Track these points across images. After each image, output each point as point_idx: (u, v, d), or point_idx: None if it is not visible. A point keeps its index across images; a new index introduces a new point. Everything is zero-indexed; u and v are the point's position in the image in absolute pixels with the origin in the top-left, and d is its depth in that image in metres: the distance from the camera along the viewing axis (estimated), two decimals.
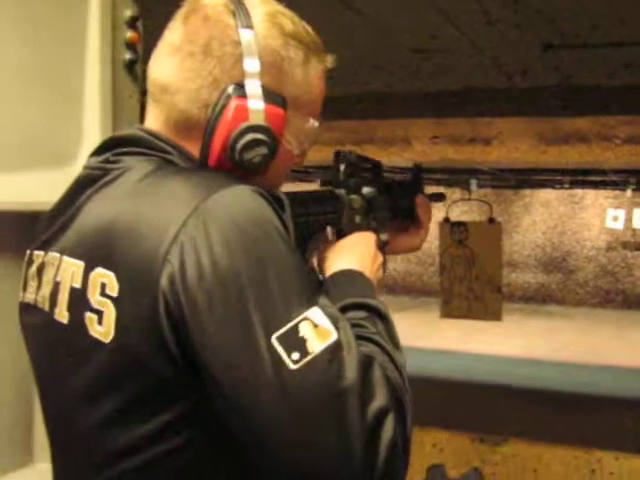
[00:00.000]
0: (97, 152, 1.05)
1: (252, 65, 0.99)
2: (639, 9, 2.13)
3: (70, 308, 0.97)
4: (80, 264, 0.96)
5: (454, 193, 13.27)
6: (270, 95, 1.00)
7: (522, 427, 4.75)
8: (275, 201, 1.04)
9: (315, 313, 0.87)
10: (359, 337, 0.95)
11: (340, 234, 1.25)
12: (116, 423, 0.92)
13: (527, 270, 14.60)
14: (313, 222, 1.19)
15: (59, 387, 1.01)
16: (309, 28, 1.08)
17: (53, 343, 1.02)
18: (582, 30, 2.36)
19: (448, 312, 5.93)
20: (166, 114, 1.03)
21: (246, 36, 0.99)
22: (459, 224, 5.86)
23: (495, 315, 5.80)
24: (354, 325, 0.98)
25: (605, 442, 4.08)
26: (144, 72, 1.09)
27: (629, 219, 11.95)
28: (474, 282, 5.73)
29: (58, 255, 1.01)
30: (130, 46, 1.43)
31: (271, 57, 1.01)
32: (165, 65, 1.02)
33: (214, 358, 0.85)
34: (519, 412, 5.66)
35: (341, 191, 1.27)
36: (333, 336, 0.86)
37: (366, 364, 0.88)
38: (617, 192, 12.79)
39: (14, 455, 1.54)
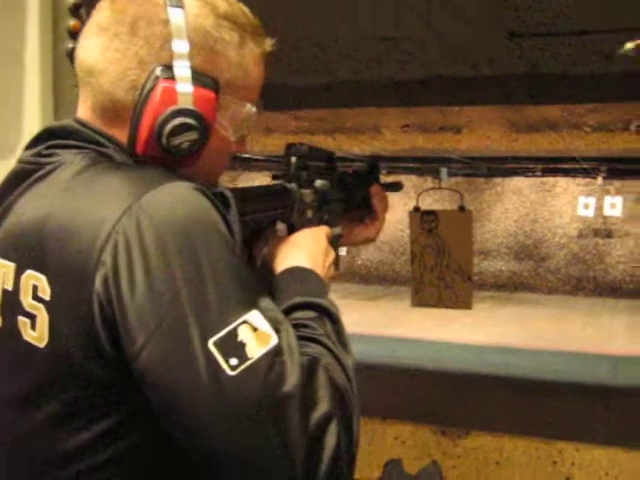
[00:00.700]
0: (31, 145, 1.00)
1: (181, 46, 0.94)
2: None
3: (3, 312, 0.93)
4: (11, 265, 0.92)
5: (425, 182, 13.30)
6: (200, 77, 0.95)
7: (487, 417, 4.78)
8: (219, 197, 1.00)
9: (255, 316, 0.83)
10: (305, 338, 0.93)
11: (292, 229, 1.22)
12: (55, 430, 0.89)
13: (499, 258, 14.66)
14: (262, 218, 1.15)
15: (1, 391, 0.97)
16: (247, 10, 1.03)
17: None
18: (545, 18, 2.34)
19: (419, 301, 5.93)
20: (92, 98, 0.98)
21: (175, 15, 0.94)
22: (429, 213, 5.86)
23: (465, 304, 5.81)
24: (301, 325, 0.96)
25: (566, 432, 4.11)
26: None
27: (600, 207, 12.04)
28: (445, 271, 5.74)
29: None
30: (73, 34, 1.37)
31: (202, 38, 0.96)
32: (91, 47, 0.98)
33: (147, 366, 0.81)
34: (484, 402, 5.69)
35: (292, 185, 1.23)
36: (273, 340, 0.83)
37: (309, 368, 0.85)
38: (588, 180, 12.88)
39: None
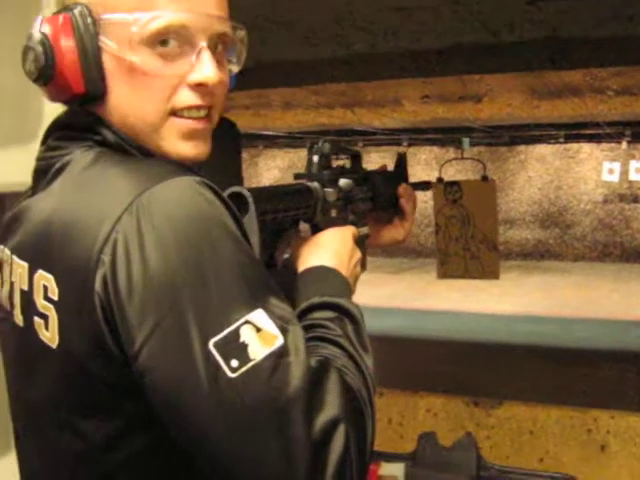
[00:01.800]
0: (43, 139, 0.99)
1: None
2: None
3: (23, 311, 0.93)
4: (25, 265, 0.91)
5: (447, 153, 13.21)
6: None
7: (519, 387, 4.76)
8: (238, 198, 0.97)
9: (259, 316, 0.80)
10: (320, 339, 0.91)
11: (315, 230, 1.18)
12: (69, 430, 0.88)
13: (524, 227, 14.58)
14: (283, 218, 1.11)
15: (21, 389, 0.98)
16: None
17: (16, 345, 0.97)
18: None
19: (445, 272, 5.88)
20: None
21: None
22: (452, 184, 5.81)
23: (493, 274, 5.76)
24: (317, 326, 0.94)
25: (601, 400, 4.09)
26: None
27: (625, 171, 11.91)
28: (470, 241, 5.69)
29: (10, 254, 0.96)
30: None
31: None
32: None
33: (146, 366, 0.79)
34: (515, 372, 5.67)
35: (314, 184, 1.19)
36: (278, 341, 0.80)
37: (319, 370, 0.82)
38: (612, 145, 12.74)
39: None
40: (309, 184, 1.19)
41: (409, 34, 3.09)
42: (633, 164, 11.77)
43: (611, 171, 12.05)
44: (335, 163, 1.26)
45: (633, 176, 11.80)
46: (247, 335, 0.78)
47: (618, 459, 3.40)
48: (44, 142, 0.98)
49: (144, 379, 0.80)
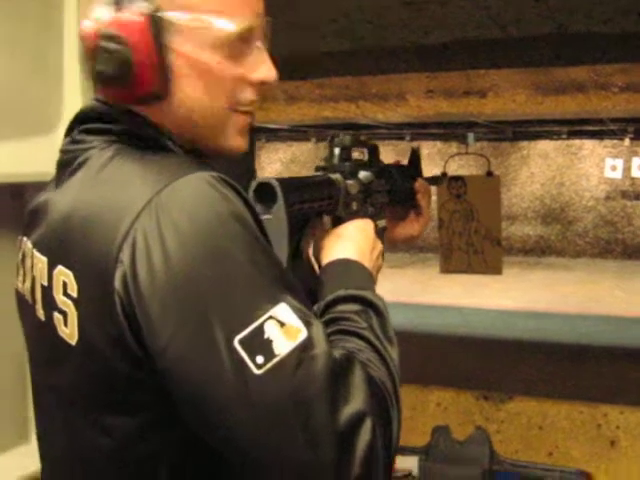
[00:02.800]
0: (68, 131, 0.99)
1: None
2: None
3: (43, 306, 0.93)
4: (44, 260, 0.91)
5: (450, 147, 13.19)
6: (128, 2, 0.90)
7: (525, 383, 4.76)
8: (267, 189, 0.98)
9: (282, 310, 0.80)
10: (345, 332, 0.91)
11: (336, 222, 1.19)
12: (92, 425, 0.88)
13: (526, 222, 14.57)
14: (308, 209, 1.11)
15: (43, 382, 0.98)
16: None
17: (38, 339, 0.98)
18: None
19: (448, 267, 5.89)
20: None
21: None
22: (457, 179, 5.81)
23: (495, 269, 5.77)
24: (342, 319, 0.94)
25: (609, 395, 4.08)
26: None
27: (628, 168, 11.89)
28: (473, 236, 5.69)
29: (31, 247, 0.97)
30: None
31: None
32: None
33: (170, 366, 0.79)
34: (522, 367, 5.66)
35: (337, 176, 1.20)
36: (302, 334, 0.80)
37: (344, 363, 0.82)
38: (615, 141, 12.72)
39: (10, 434, 1.53)
40: (332, 176, 1.19)
41: (417, 28, 3.09)
42: (636, 161, 11.75)
43: (614, 168, 12.03)
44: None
45: (636, 173, 11.77)
46: (271, 330, 0.78)
47: (628, 454, 3.39)
48: (68, 134, 0.98)
49: (169, 376, 0.80)
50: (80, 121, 0.97)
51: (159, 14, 0.89)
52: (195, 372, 0.78)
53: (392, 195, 1.37)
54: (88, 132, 0.95)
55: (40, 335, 0.96)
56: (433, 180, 1.56)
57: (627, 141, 10.82)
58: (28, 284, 0.98)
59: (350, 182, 1.21)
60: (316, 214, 1.17)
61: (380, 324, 0.96)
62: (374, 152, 1.34)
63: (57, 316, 0.89)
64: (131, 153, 0.90)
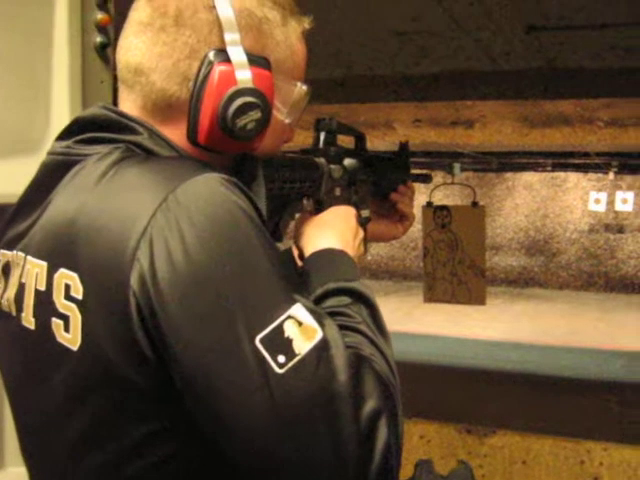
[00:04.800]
0: (63, 136, 0.97)
1: (231, 29, 0.92)
2: None
3: (36, 313, 0.90)
4: (43, 265, 0.89)
5: (436, 177, 13.24)
6: (253, 58, 0.92)
7: (508, 415, 4.74)
8: (246, 163, 0.98)
9: (299, 310, 0.80)
10: (344, 327, 0.89)
11: (319, 206, 1.17)
12: (90, 438, 0.85)
13: (510, 253, 14.62)
14: (289, 190, 1.10)
15: (30, 398, 0.94)
16: None
17: (21, 351, 0.94)
18: (566, 11, 2.32)
19: (431, 296, 5.89)
20: (143, 98, 0.94)
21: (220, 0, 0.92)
22: (442, 208, 5.83)
23: (479, 299, 5.78)
24: (337, 314, 0.93)
25: (592, 430, 4.07)
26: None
27: (611, 202, 12.00)
28: (457, 266, 5.71)
29: (23, 255, 0.93)
30: (101, 29, 1.35)
31: (248, 19, 0.94)
32: (136, 45, 0.94)
33: (191, 366, 0.78)
34: (505, 399, 5.65)
35: (321, 159, 1.18)
36: (319, 334, 0.80)
37: (355, 361, 0.82)
38: (599, 175, 12.82)
39: None
40: (315, 158, 1.18)
41: (407, 58, 3.11)
42: (619, 195, 11.86)
43: (597, 201, 12.13)
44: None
45: (619, 206, 11.88)
46: (291, 330, 0.78)
47: None
48: (61, 138, 0.97)
49: (188, 379, 0.78)
50: (78, 130, 0.95)
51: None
52: (217, 370, 0.77)
53: (377, 187, 1.36)
54: (91, 141, 0.93)
55: (25, 346, 0.93)
56: (420, 177, 1.55)
57: (611, 175, 10.92)
58: (11, 294, 0.95)
59: (334, 166, 1.20)
60: (296, 196, 1.15)
61: (372, 317, 0.96)
62: (361, 140, 1.33)
63: (56, 321, 0.86)
64: (137, 156, 0.90)
